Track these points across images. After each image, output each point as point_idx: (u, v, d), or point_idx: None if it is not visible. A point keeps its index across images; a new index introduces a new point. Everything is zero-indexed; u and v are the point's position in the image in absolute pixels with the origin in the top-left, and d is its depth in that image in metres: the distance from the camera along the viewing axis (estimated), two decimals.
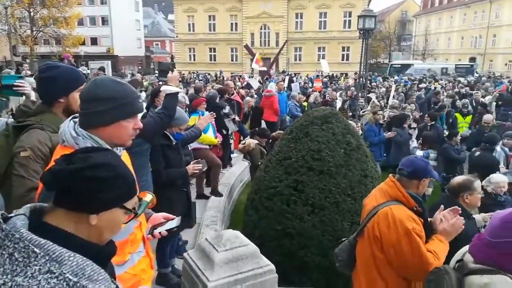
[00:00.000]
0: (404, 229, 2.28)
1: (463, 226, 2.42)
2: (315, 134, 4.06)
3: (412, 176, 2.49)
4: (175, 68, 3.46)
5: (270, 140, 6.40)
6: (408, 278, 2.41)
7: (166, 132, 3.43)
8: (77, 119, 1.63)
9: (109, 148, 1.53)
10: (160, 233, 1.81)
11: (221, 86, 9.67)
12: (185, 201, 3.68)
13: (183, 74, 33.67)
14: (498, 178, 4.32)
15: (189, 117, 5.84)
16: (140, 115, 1.78)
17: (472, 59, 52.79)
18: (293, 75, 28.54)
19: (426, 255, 2.24)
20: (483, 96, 13.46)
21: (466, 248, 2.20)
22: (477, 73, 37.64)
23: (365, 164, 4.09)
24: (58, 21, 32.82)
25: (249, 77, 22.47)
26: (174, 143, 3.53)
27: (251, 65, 20.75)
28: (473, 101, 12.03)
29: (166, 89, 3.15)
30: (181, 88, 13.90)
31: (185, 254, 2.50)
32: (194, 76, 31.67)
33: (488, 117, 7.97)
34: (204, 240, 2.44)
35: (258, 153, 5.72)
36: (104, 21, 49.54)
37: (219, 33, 48.64)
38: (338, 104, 12.41)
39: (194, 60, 50.26)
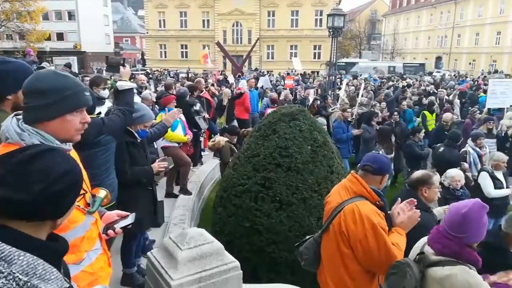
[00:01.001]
0: (370, 224, 2.33)
1: (419, 219, 2.51)
2: (282, 131, 4.09)
3: (377, 172, 2.55)
4: (126, 63, 3.37)
5: (239, 137, 6.40)
6: (373, 271, 2.47)
7: (130, 129, 3.36)
8: (20, 116, 1.56)
9: (57, 145, 1.48)
10: (114, 231, 1.78)
11: (192, 83, 9.57)
12: (151, 199, 3.62)
13: (155, 71, 33.17)
14: (453, 173, 4.51)
15: (158, 114, 5.78)
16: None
17: (439, 58, 54.72)
18: (265, 73, 28.64)
19: (391, 248, 2.31)
20: (448, 95, 13.97)
21: (424, 239, 2.28)
22: (425, 72, 38.62)
23: (331, 161, 4.15)
24: (21, 16, 31.53)
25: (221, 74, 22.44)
26: (139, 141, 3.46)
27: (224, 64, 20.78)
28: (437, 99, 12.46)
29: (122, 84, 3.07)
30: (149, 84, 13.69)
31: (148, 254, 2.46)
32: (165, 73, 31.26)
33: (446, 116, 8.26)
34: (167, 238, 2.41)
35: (228, 150, 5.70)
36: (71, 15, 47.98)
37: (191, 30, 48.14)
38: (310, 101, 12.57)
39: (166, 57, 49.55)
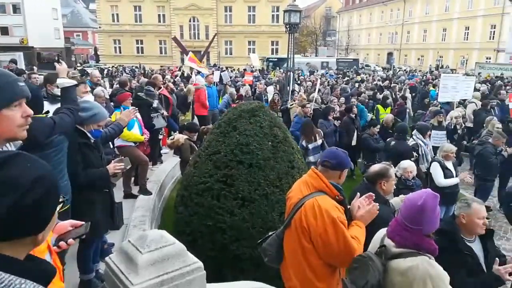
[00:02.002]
0: (329, 218, 2.37)
1: (378, 212, 2.59)
2: (243, 128, 4.08)
3: (336, 167, 2.59)
4: (61, 59, 3.20)
5: (199, 135, 6.31)
6: (334, 265, 2.52)
7: (82, 129, 3.19)
8: None
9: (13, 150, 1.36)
10: (67, 242, 1.63)
11: (149, 80, 9.30)
12: (108, 202, 3.47)
13: (109, 67, 31.98)
14: (405, 164, 4.71)
15: (114, 113, 5.56)
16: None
17: (390, 54, 56.96)
18: (224, 69, 28.44)
19: (351, 241, 2.36)
20: (400, 90, 14.59)
21: (383, 231, 2.35)
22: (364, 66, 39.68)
23: (292, 156, 4.19)
24: None
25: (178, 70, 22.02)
26: (92, 141, 3.30)
27: (182, 60, 20.34)
28: (393, 94, 12.98)
29: (62, 82, 2.91)
30: (103, 81, 13.14)
31: (107, 258, 2.36)
32: (121, 70, 30.21)
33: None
34: (127, 242, 2.32)
35: (188, 148, 5.60)
36: (16, 9, 44.99)
37: (146, 25, 46.85)
38: (269, 97, 12.65)
39: (120, 52, 47.93)
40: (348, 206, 2.61)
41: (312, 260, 2.48)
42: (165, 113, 7.42)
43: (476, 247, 2.85)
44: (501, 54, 41.31)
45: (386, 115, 9.03)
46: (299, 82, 17.94)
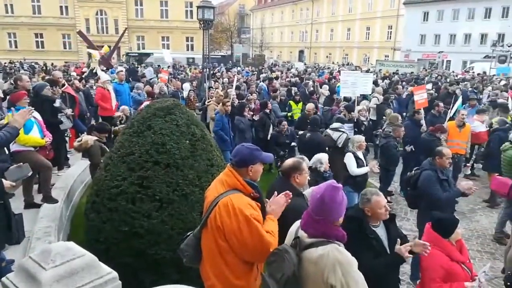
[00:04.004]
0: (243, 216, 2.38)
1: (287, 202, 2.67)
2: (158, 127, 3.92)
3: (240, 165, 2.57)
4: None
5: (113, 135, 5.95)
6: (251, 262, 2.54)
7: None
8: None
9: None
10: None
11: (50, 77, 8.48)
12: (3, 215, 3.08)
13: (4, 63, 28.64)
14: (321, 156, 4.98)
15: (6, 115, 4.95)
16: None
17: (301, 52, 59.80)
18: (137, 66, 27.23)
19: (265, 236, 2.39)
20: (312, 86, 15.30)
21: (298, 223, 2.43)
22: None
23: (210, 154, 4.14)
24: None
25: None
26: None
27: (89, 55, 19.00)
28: (306, 90, 13.55)
29: None
30: None
31: (3, 279, 2.08)
32: (17, 66, 27.20)
33: (309, 106, 9.07)
34: (27, 258, 2.07)
35: (97, 150, 5.22)
36: None
37: (46, 17, 42.88)
38: (185, 94, 12.37)
39: (16, 47, 43.27)
40: (266, 200, 2.66)
41: (228, 258, 2.48)
42: (69, 112, 6.82)
43: (381, 231, 3.10)
44: (397, 52, 45.87)
45: (308, 105, 9.26)
46: (215, 79, 17.84)
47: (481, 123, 8.51)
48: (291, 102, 10.73)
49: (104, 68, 15.62)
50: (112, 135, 5.81)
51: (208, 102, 9.76)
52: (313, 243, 2.20)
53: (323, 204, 2.20)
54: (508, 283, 3.46)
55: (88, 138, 5.30)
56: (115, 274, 2.19)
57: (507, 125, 7.82)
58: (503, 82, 19.03)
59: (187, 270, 3.58)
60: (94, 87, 11.61)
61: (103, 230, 3.76)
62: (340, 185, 2.30)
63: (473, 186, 4.69)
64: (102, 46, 22.83)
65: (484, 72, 26.72)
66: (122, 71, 12.20)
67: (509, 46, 30.82)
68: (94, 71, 16.56)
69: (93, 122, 9.03)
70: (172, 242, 3.59)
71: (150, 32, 45.30)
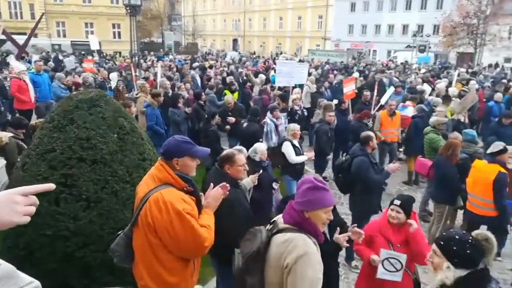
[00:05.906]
0: (175, 211, 2.30)
1: (222, 196, 2.66)
2: (82, 120, 3.65)
3: (167, 157, 2.48)
4: None
5: (31, 131, 5.45)
6: (185, 258, 2.47)
7: None
8: None
9: None
10: None
11: None
12: None
13: None
14: (258, 146, 4.99)
15: None
16: None
17: (235, 40, 59.72)
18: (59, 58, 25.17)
19: (199, 231, 2.34)
20: (246, 75, 15.35)
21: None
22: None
23: (142, 147, 3.96)
24: None
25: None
26: None
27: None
28: (240, 79, 13.57)
29: None
30: None
31: None
32: None
33: (228, 98, 9.09)
34: None
35: (14, 148, 4.78)
36: None
37: None
38: (113, 84, 11.72)
39: None
40: (201, 194, 2.61)
41: (161, 255, 2.41)
42: None
43: None
44: (328, 42, 47.70)
45: (226, 97, 9.21)
46: (145, 69, 17.12)
47: (413, 108, 9.03)
48: (227, 92, 10.66)
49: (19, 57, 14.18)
50: (30, 131, 5.32)
51: (136, 94, 9.30)
52: (285, 228, 2.24)
53: (298, 195, 2.27)
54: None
55: (3, 135, 4.84)
56: (37, 283, 2.01)
57: (424, 113, 8.43)
58: (423, 71, 20.66)
59: (120, 271, 3.42)
60: (8, 79, 10.55)
61: (24, 234, 3.45)
62: (318, 182, 2.28)
63: (399, 167, 5.06)
64: (17, 33, 20.80)
65: (406, 61, 28.78)
66: (40, 60, 11.19)
67: (427, 36, 33.61)
68: (7, 60, 15.02)
69: (9, 117, 8.24)
70: (103, 243, 3.40)
71: (72, 18, 42.23)
